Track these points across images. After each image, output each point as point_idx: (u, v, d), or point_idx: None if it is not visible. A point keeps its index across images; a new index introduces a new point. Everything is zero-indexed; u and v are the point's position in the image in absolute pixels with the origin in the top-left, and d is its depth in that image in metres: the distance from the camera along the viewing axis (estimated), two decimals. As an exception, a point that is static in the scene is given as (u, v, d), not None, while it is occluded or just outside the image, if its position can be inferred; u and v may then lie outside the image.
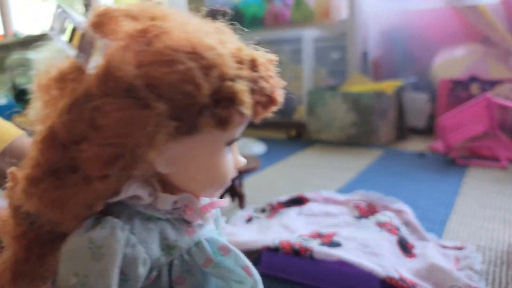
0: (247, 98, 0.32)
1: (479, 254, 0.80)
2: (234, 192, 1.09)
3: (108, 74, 0.29)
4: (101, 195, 0.33)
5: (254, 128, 1.38)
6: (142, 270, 0.34)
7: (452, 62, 1.94)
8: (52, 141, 0.31)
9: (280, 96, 0.36)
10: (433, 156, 1.65)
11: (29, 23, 4.19)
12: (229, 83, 0.31)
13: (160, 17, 0.33)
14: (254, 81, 0.33)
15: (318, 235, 0.83)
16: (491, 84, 1.79)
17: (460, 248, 0.83)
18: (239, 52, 0.33)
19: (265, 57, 0.35)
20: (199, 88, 0.30)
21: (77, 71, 0.32)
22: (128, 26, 0.31)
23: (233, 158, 0.38)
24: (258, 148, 1.85)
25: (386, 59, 2.22)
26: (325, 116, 2.01)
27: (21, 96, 2.74)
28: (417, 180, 1.35)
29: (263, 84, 0.34)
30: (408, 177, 1.39)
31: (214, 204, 0.39)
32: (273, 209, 1.04)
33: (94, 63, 0.30)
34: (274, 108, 0.36)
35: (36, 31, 3.79)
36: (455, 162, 1.53)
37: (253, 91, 0.33)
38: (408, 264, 0.77)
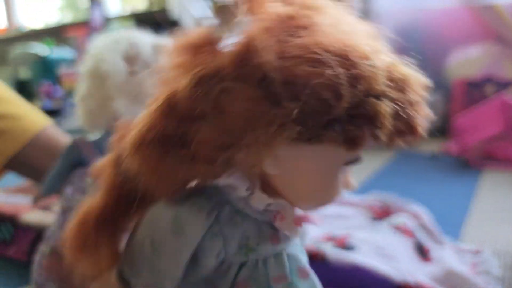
0: (388, 122, 0.28)
1: (495, 259, 0.78)
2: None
3: (245, 58, 0.27)
4: (200, 177, 0.32)
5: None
6: (214, 262, 0.33)
7: (467, 62, 1.92)
8: (169, 111, 0.30)
9: (422, 128, 0.32)
10: (447, 157, 1.62)
11: (32, 17, 4.22)
12: (373, 100, 0.28)
13: (313, 7, 0.30)
14: (400, 104, 0.29)
15: (331, 238, 0.81)
16: (506, 85, 1.75)
17: (476, 252, 0.81)
18: (392, 68, 0.30)
19: (419, 80, 0.32)
20: (339, 98, 0.27)
21: (210, 44, 0.29)
22: (276, 8, 0.29)
23: (343, 178, 0.34)
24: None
25: (399, 57, 2.20)
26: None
27: (22, 90, 2.74)
28: (431, 182, 1.33)
29: (409, 110, 0.30)
30: (421, 178, 1.37)
31: (306, 218, 0.35)
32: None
33: (232, 40, 0.28)
34: (411, 139, 0.32)
35: (39, 25, 3.79)
36: (469, 163, 1.50)
37: (396, 116, 0.29)
38: (425, 268, 0.75)
